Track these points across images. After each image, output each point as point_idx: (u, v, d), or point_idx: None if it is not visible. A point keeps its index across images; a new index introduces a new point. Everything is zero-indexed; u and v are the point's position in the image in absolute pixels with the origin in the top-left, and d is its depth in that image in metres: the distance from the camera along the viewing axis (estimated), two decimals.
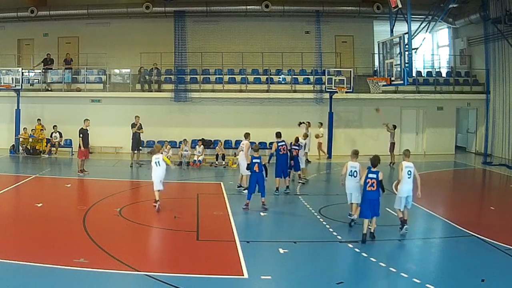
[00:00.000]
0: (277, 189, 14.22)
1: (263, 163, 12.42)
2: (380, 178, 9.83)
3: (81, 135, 17.37)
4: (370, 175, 9.84)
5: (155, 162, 12.59)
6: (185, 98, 23.22)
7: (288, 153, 14.66)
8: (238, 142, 22.65)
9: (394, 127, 20.89)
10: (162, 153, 13.04)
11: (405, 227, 10.25)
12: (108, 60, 23.91)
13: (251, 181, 12.48)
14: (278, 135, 14.67)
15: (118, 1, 24.43)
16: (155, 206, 12.19)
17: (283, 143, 14.51)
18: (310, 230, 10.86)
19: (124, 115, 21.27)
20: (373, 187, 9.81)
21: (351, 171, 10.76)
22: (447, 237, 10.67)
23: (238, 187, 14.90)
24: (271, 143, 17.72)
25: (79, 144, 17.41)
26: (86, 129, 17.62)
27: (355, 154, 11.00)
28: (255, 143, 17.55)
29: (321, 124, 22.28)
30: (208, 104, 23.28)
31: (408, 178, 10.09)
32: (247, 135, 14.85)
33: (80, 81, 24.01)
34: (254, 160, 12.36)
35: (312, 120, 21.81)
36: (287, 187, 14.55)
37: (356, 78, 22.71)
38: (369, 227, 9.88)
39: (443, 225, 11.45)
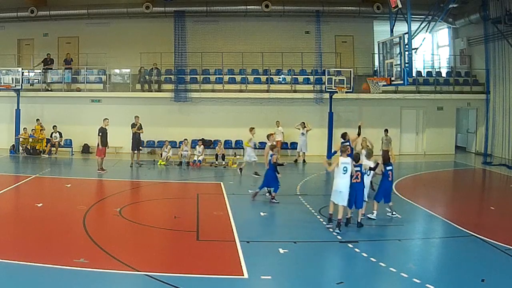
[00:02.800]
0: None
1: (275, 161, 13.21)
2: (364, 168, 10.81)
3: (100, 134, 17.65)
4: (356, 169, 10.59)
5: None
6: (185, 98, 23.22)
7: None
8: (238, 142, 22.84)
9: (386, 131, 20.63)
10: (253, 136, 17.37)
11: (335, 230, 10.32)
12: (108, 60, 23.89)
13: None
14: (344, 136, 14.77)
15: (118, 1, 24.40)
16: (240, 170, 17.46)
17: (348, 143, 14.38)
18: (310, 230, 10.84)
19: (124, 115, 21.23)
20: (358, 179, 10.59)
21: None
22: (447, 237, 10.65)
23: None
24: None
25: (98, 143, 17.67)
26: (106, 128, 17.86)
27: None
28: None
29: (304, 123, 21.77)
30: (208, 104, 23.28)
31: (344, 173, 10.42)
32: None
33: (80, 81, 24.01)
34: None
35: (313, 120, 21.76)
36: None
37: (356, 78, 22.68)
38: (349, 215, 10.71)
39: (443, 225, 11.43)
